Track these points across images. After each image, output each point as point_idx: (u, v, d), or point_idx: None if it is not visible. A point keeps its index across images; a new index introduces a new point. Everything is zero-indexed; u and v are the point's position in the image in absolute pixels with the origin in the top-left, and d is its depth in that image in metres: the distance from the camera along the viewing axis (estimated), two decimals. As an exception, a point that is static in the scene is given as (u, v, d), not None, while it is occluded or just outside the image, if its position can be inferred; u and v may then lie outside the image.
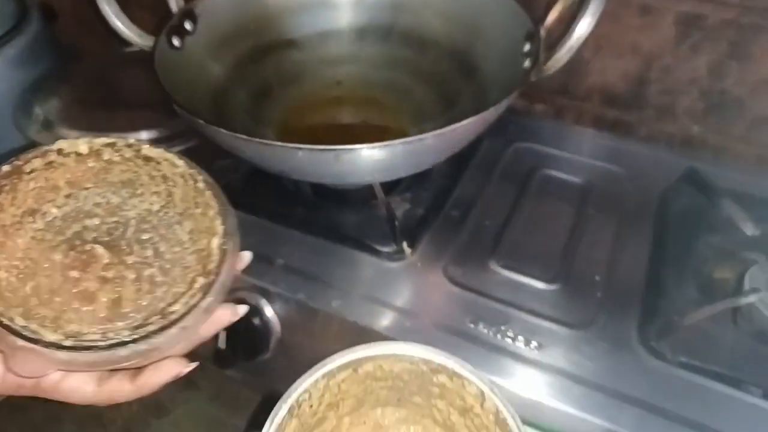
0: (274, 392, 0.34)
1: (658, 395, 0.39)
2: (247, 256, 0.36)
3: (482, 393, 0.32)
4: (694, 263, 0.47)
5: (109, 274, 0.32)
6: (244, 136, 0.39)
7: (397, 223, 0.48)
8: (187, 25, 0.52)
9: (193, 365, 0.33)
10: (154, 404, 0.55)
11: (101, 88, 0.77)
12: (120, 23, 0.48)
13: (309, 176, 0.46)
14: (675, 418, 0.38)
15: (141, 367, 0.32)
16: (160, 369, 0.32)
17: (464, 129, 0.40)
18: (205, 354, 0.50)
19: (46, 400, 0.32)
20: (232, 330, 0.45)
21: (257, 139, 0.39)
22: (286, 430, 0.31)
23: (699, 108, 0.61)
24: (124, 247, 0.34)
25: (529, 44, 0.48)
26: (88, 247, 0.33)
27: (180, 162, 0.36)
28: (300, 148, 0.38)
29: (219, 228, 0.34)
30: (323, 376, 0.33)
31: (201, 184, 0.35)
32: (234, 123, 0.53)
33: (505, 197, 0.55)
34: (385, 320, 0.44)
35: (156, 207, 0.36)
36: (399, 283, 0.47)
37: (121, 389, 0.32)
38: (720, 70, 0.58)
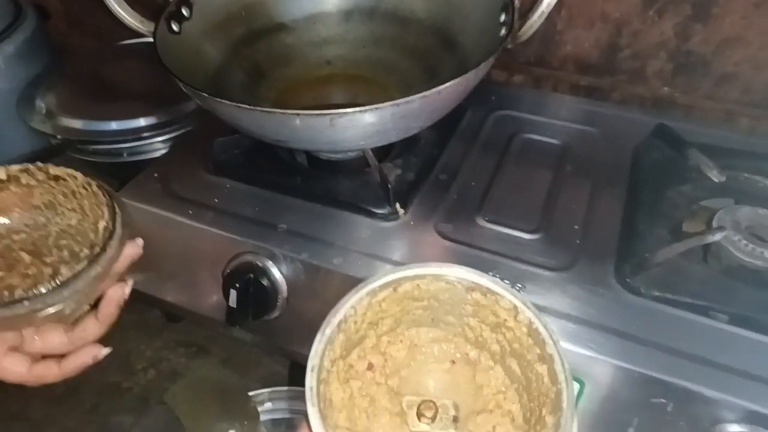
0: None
1: (634, 325, 0.43)
2: (139, 242, 0.41)
3: (515, 307, 0.33)
4: (666, 209, 0.51)
5: (30, 271, 0.39)
6: (246, 106, 0.42)
7: (390, 186, 0.51)
8: (184, 11, 0.55)
9: (108, 350, 0.39)
10: (169, 370, 0.58)
11: (97, 80, 0.81)
12: (122, 11, 0.51)
13: (305, 143, 0.49)
14: (651, 345, 0.42)
15: (65, 355, 0.39)
16: (80, 353, 0.39)
17: (448, 91, 0.44)
18: (215, 319, 0.54)
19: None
20: (242, 290, 0.49)
21: (258, 108, 0.42)
22: (335, 343, 0.32)
23: (667, 69, 0.65)
24: (45, 252, 0.41)
25: (504, 14, 0.52)
26: (14, 254, 0.40)
27: (78, 174, 0.42)
28: (297, 114, 0.42)
29: (106, 214, 0.40)
30: (367, 294, 0.34)
31: (95, 188, 0.41)
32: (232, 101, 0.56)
33: (489, 160, 0.58)
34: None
35: (74, 221, 0.42)
36: (394, 241, 0.50)
37: (49, 371, 0.38)
38: (685, 32, 0.62)
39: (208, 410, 0.54)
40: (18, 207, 0.42)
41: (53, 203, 0.42)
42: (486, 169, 0.57)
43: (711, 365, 0.40)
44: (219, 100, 0.44)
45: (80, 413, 0.56)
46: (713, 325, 0.43)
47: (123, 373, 0.59)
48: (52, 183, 0.42)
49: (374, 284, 0.34)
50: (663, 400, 0.41)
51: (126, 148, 0.70)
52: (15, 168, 0.41)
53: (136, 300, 0.60)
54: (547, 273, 0.47)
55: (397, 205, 0.52)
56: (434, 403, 0.35)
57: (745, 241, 0.47)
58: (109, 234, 0.38)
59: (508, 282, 0.46)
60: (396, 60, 0.63)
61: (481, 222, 0.51)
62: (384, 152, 0.58)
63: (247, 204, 0.54)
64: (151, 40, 0.51)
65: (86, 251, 0.40)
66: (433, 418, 0.34)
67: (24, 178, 0.41)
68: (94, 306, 0.39)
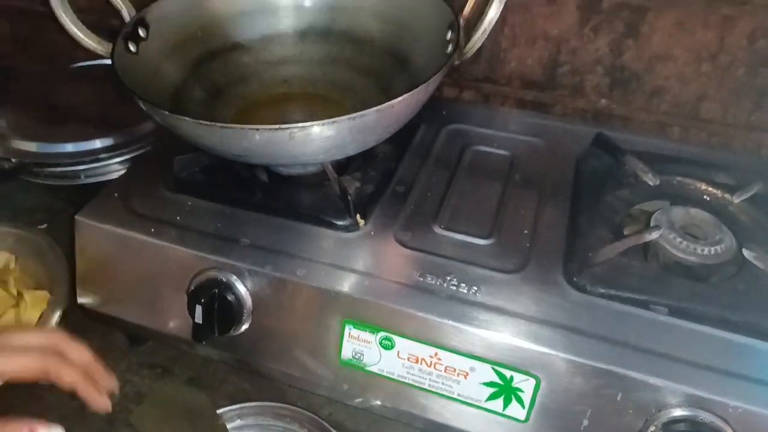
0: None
1: (582, 321, 0.46)
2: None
3: None
4: (607, 212, 0.55)
5: None
6: (207, 122, 0.44)
7: (350, 197, 0.53)
8: (141, 32, 0.56)
9: None
10: (134, 393, 0.57)
11: (50, 103, 0.80)
12: (79, 31, 0.52)
13: (266, 158, 0.51)
14: (598, 338, 0.45)
15: None
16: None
17: (401, 105, 0.46)
18: (181, 338, 0.54)
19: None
20: (207, 305, 0.49)
21: (218, 124, 0.44)
22: None
23: (604, 84, 0.70)
24: None
25: (450, 32, 0.55)
26: None
27: None
28: (257, 129, 0.44)
29: None
30: None
31: None
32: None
33: (443, 172, 0.61)
34: (346, 282, 0.49)
35: None
36: (356, 251, 0.52)
37: None
38: (619, 49, 0.67)
39: (176, 430, 0.54)
40: None
41: None
42: (440, 180, 0.60)
43: (654, 354, 0.43)
44: (180, 117, 0.45)
45: (41, 440, 0.55)
46: (654, 317, 0.47)
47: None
48: None
49: None
50: (612, 390, 0.43)
51: (83, 170, 0.69)
52: None
53: (99, 322, 0.59)
54: (500, 275, 0.49)
55: (358, 216, 0.54)
56: None
57: (679, 239, 0.51)
58: None
59: (464, 285, 0.48)
60: (352, 79, 0.65)
61: (438, 230, 0.54)
62: (342, 167, 0.60)
63: (209, 220, 0.55)
64: (108, 61, 0.52)
65: None
66: None
67: None
68: None
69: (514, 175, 0.61)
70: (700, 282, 0.49)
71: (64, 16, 0.51)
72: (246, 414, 0.56)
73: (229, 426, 0.55)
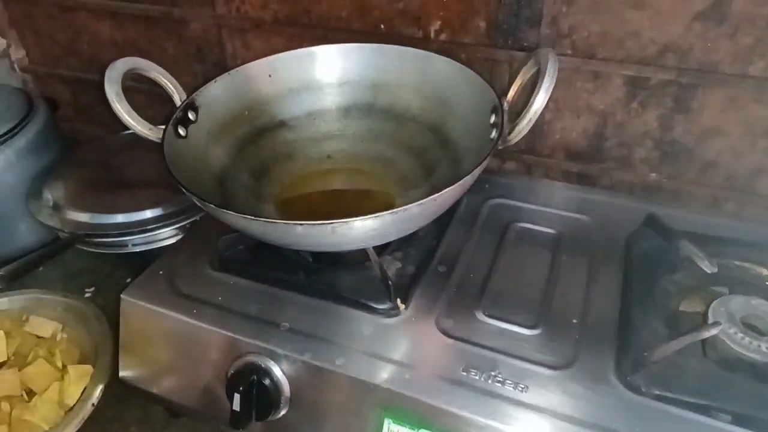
0: None
1: (635, 426, 0.43)
2: None
3: None
4: (660, 300, 0.53)
5: None
6: (251, 216, 0.44)
7: (390, 282, 0.53)
8: (191, 115, 0.58)
9: None
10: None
11: (104, 170, 0.83)
12: (132, 119, 0.54)
13: (308, 246, 0.51)
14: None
15: None
16: None
17: (443, 197, 0.46)
18: (218, 417, 0.54)
19: None
20: (246, 393, 0.49)
21: (262, 219, 0.44)
22: None
23: (654, 157, 0.68)
24: None
25: (494, 116, 0.54)
26: None
27: None
28: (300, 224, 0.44)
29: None
30: None
31: None
32: (237, 201, 0.58)
33: (485, 250, 0.60)
34: (385, 374, 0.48)
35: None
36: (396, 338, 0.51)
37: None
38: (668, 123, 0.66)
39: None
40: None
41: None
42: (483, 259, 0.59)
43: (716, 468, 0.41)
44: (224, 210, 0.45)
45: None
46: (715, 425, 0.43)
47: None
48: None
49: None
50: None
51: (131, 240, 0.71)
52: None
53: (139, 396, 0.60)
54: (547, 372, 0.47)
55: (398, 301, 0.53)
56: None
57: (741, 334, 0.48)
58: None
59: (510, 382, 0.46)
60: (394, 155, 0.65)
61: (481, 317, 0.52)
62: (383, 245, 0.60)
63: (251, 301, 0.55)
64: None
65: None
66: None
67: None
68: None
69: (560, 255, 0.59)
70: (765, 383, 0.46)
71: (119, 107, 0.54)
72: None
73: None
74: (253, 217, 0.44)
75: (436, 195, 0.45)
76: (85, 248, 0.73)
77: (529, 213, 0.65)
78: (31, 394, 0.60)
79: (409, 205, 0.44)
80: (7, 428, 0.55)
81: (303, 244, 0.49)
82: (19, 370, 0.59)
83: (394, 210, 0.44)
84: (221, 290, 0.56)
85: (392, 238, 0.52)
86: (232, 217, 0.46)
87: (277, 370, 0.50)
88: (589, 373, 0.47)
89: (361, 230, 0.46)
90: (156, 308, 0.55)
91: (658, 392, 0.45)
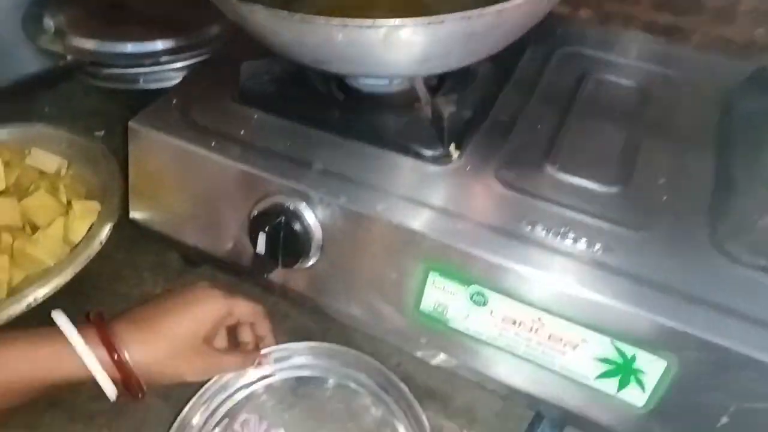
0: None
1: (735, 299, 0.36)
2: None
3: None
4: None
5: None
6: (284, 12, 0.35)
7: (444, 124, 0.44)
8: None
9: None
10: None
11: (111, 0, 0.73)
12: None
13: (350, 65, 0.41)
14: (754, 322, 0.35)
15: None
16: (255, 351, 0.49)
17: (523, 9, 0.36)
18: (239, 265, 0.48)
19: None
20: (272, 234, 0.43)
21: (298, 15, 0.35)
22: None
23: (764, 8, 0.56)
24: None
25: None
26: None
27: None
28: (345, 25, 0.34)
29: None
30: None
31: None
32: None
33: (555, 102, 0.51)
34: (434, 224, 0.41)
35: None
36: (446, 186, 0.43)
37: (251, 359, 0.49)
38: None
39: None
40: None
41: None
42: (553, 111, 0.50)
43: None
44: (252, 7, 0.36)
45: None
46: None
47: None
48: None
49: None
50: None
51: (142, 73, 0.63)
52: None
53: (154, 240, 0.54)
54: (628, 232, 0.40)
55: (452, 146, 0.45)
56: None
57: None
58: None
59: (584, 240, 0.39)
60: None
61: (551, 170, 0.44)
62: (434, 87, 0.51)
63: (278, 138, 0.47)
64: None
65: None
66: None
67: None
68: None
69: (644, 111, 0.50)
70: None
71: None
72: (305, 352, 0.51)
73: (287, 363, 0.51)
74: (285, 13, 0.35)
75: (520, 1, 0.35)
76: (91, 81, 0.64)
77: (607, 64, 0.55)
78: (34, 229, 0.54)
79: (487, 9, 0.35)
80: (9, 260, 0.50)
81: (343, 60, 0.40)
82: (18, 201, 0.53)
83: (466, 13, 0.35)
84: (243, 124, 0.48)
85: (452, 66, 0.43)
86: (260, 16, 0.37)
87: (308, 214, 0.43)
88: (678, 237, 0.40)
89: (419, 42, 0.36)
90: (169, 138, 0.47)
91: (764, 263, 0.38)
